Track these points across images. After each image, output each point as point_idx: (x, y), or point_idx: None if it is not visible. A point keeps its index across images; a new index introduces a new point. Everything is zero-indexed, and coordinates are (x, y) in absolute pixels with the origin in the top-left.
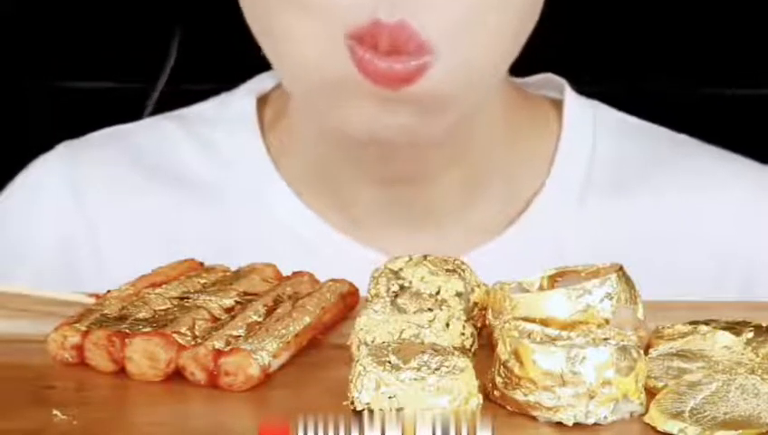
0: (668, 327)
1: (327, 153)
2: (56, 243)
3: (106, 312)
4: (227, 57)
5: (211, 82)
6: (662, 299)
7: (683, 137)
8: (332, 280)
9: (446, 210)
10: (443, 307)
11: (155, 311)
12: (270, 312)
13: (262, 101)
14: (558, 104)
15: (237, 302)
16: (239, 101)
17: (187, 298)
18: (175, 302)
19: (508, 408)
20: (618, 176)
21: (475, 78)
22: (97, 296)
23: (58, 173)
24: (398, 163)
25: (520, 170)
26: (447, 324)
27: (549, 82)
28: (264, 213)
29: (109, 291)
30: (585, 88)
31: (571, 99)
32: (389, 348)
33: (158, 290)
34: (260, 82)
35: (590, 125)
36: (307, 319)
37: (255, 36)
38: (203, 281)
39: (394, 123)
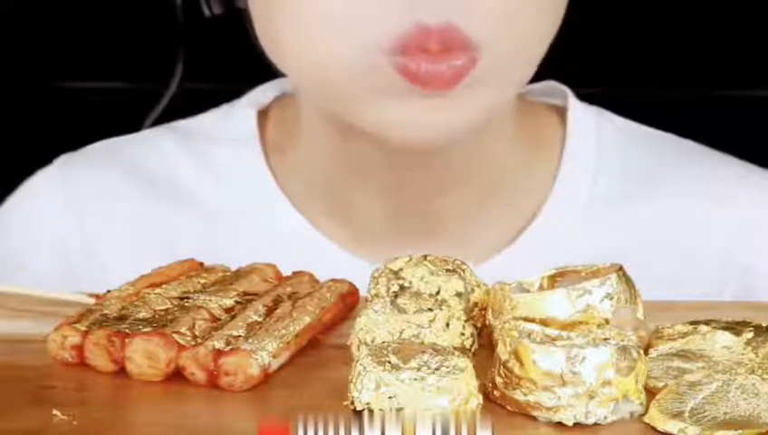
0: (668, 327)
1: (334, 168)
2: (55, 257)
3: (106, 312)
4: (231, 58)
5: (215, 82)
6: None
7: (688, 142)
8: (332, 280)
9: (454, 225)
10: (443, 307)
11: (155, 311)
12: (270, 312)
13: (263, 114)
14: (561, 111)
15: (237, 302)
16: (240, 116)
17: (187, 298)
18: (175, 302)
19: (508, 408)
20: (623, 183)
21: (518, 71)
22: (97, 296)
23: (56, 187)
24: (407, 176)
25: (526, 181)
26: (447, 324)
27: (551, 90)
28: (267, 230)
29: (109, 291)
30: (585, 91)
31: (575, 106)
32: (389, 348)
33: (157, 290)
34: (261, 94)
35: (594, 132)
36: (307, 319)
37: (267, 52)
38: (203, 281)
39: (438, 123)
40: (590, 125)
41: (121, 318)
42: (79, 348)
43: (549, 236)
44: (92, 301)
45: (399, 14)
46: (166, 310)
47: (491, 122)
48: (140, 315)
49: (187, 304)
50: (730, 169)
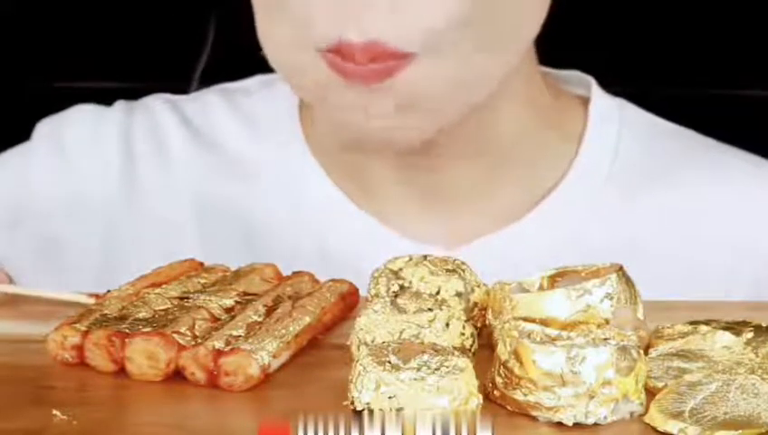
0: (668, 327)
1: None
2: (101, 192)
3: (106, 312)
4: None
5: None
6: (666, 298)
7: (710, 140)
8: (332, 280)
9: (467, 196)
10: (443, 307)
11: (155, 311)
12: (270, 312)
13: None
14: (585, 101)
15: (237, 302)
16: (281, 79)
17: (187, 298)
18: (175, 302)
19: (508, 408)
20: (640, 174)
21: (463, 83)
22: (97, 296)
23: (117, 126)
24: (414, 152)
25: (543, 160)
26: (447, 324)
27: (576, 78)
28: (293, 187)
29: (109, 291)
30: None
31: (598, 96)
32: (389, 348)
33: (157, 290)
34: None
35: (615, 123)
36: (307, 319)
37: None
38: (203, 281)
39: (382, 117)
40: (612, 115)
41: (121, 318)
42: (79, 348)
43: (561, 215)
44: (92, 301)
45: (330, 29)
46: (166, 310)
47: (492, 108)
48: (140, 315)
49: (187, 304)
50: (748, 163)
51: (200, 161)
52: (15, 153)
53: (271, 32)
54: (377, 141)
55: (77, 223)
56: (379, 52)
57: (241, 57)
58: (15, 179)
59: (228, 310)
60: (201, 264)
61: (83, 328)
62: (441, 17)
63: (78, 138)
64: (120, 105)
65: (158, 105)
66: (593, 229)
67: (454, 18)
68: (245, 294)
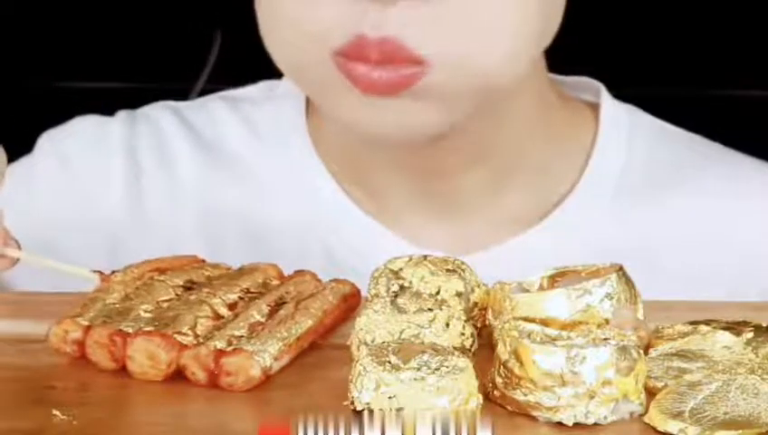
0: (668, 327)
1: (354, 147)
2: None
3: (109, 301)
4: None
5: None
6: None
7: (716, 144)
8: (335, 280)
9: (475, 202)
10: (443, 307)
11: (158, 302)
12: (273, 312)
13: None
14: (594, 107)
15: (240, 298)
16: (287, 84)
17: (191, 289)
18: (179, 291)
19: (508, 408)
20: (651, 180)
21: (476, 83)
22: (101, 274)
23: (120, 137)
24: (421, 156)
25: (553, 168)
26: (447, 324)
27: (584, 85)
28: (300, 192)
29: (113, 272)
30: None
31: (608, 102)
32: (389, 348)
33: (162, 277)
34: None
35: (626, 129)
36: (309, 322)
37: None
38: (207, 273)
39: (390, 121)
40: (622, 121)
41: (124, 312)
42: (80, 343)
43: (572, 223)
44: (96, 277)
45: (345, 25)
46: (169, 301)
47: (500, 113)
48: (143, 308)
49: (190, 297)
50: (758, 170)
51: (205, 169)
52: (17, 166)
53: (276, 33)
54: (382, 139)
55: (81, 234)
56: (394, 52)
57: (247, 61)
58: (18, 193)
59: (231, 306)
60: (203, 261)
61: (85, 322)
62: (455, 20)
63: (81, 150)
64: (121, 115)
65: (160, 114)
66: (603, 237)
67: (467, 24)
68: (248, 291)
